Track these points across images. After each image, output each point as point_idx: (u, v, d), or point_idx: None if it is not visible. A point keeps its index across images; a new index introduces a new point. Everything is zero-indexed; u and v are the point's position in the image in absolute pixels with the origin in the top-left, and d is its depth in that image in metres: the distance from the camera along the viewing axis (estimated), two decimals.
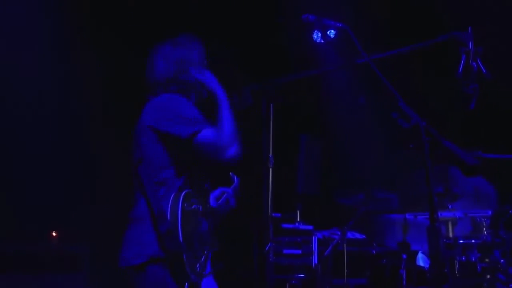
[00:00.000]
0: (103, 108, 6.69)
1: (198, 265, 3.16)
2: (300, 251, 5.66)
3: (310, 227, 5.88)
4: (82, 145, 6.60)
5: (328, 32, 3.00)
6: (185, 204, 3.13)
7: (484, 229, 4.90)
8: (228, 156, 3.23)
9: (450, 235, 5.21)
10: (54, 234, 6.33)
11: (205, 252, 3.26)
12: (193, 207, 3.21)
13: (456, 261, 4.81)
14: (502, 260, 4.72)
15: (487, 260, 4.81)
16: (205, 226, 3.32)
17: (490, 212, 5.12)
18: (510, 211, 4.70)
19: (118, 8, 6.62)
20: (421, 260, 5.42)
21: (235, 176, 3.69)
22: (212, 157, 3.22)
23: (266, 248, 3.76)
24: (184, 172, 3.27)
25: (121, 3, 6.63)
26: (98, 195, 6.52)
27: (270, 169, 3.65)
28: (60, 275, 6.02)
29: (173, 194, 3.14)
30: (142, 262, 3.10)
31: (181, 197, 3.12)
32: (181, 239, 3.04)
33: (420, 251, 5.43)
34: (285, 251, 5.64)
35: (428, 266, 5.20)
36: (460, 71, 2.96)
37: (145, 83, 3.50)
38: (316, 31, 3.13)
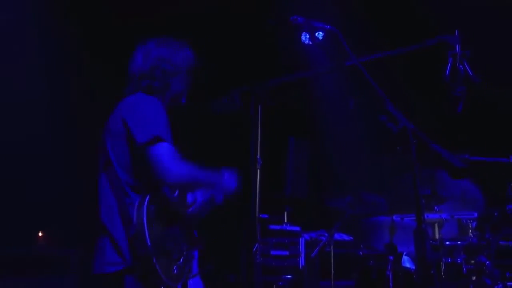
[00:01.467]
0: (93, 110, 6.66)
1: (175, 268, 3.11)
2: (287, 253, 5.66)
3: (297, 229, 5.89)
4: (69, 146, 6.57)
5: (316, 34, 3.00)
6: (151, 206, 3.03)
7: (470, 231, 4.94)
8: (171, 181, 3.09)
9: (437, 237, 5.24)
10: (40, 234, 6.29)
11: (184, 252, 3.20)
12: (162, 207, 3.13)
13: (442, 263, 4.84)
14: (487, 262, 4.75)
15: (472, 262, 4.85)
16: (180, 225, 3.26)
17: (476, 214, 5.16)
18: (496, 214, 4.74)
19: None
20: (407, 262, 5.45)
21: (226, 172, 3.64)
22: (155, 176, 3.05)
23: (253, 249, 3.76)
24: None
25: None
26: (85, 196, 6.50)
27: (258, 170, 3.65)
28: (48, 277, 5.97)
29: (138, 198, 3.05)
30: (118, 270, 3.03)
31: (146, 199, 3.03)
32: (148, 242, 2.95)
33: (404, 253, 5.45)
34: (272, 252, 5.63)
35: (413, 267, 5.23)
36: (447, 74, 2.98)
37: (126, 76, 3.43)
38: (304, 33, 3.14)
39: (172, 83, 3.39)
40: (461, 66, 3.01)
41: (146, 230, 2.96)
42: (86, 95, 6.66)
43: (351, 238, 6.07)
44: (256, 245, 3.76)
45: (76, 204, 6.43)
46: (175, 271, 3.09)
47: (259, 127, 3.64)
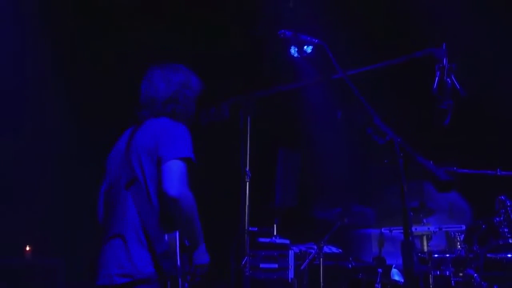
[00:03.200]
0: (82, 124, 6.66)
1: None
2: (276, 265, 5.64)
3: (286, 241, 5.87)
4: (56, 160, 6.56)
5: (304, 48, 3.02)
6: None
7: (458, 243, 4.95)
8: (173, 194, 3.10)
9: (425, 249, 5.25)
10: (28, 248, 6.25)
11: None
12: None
13: (430, 276, 4.84)
14: (475, 275, 4.76)
15: (461, 274, 4.85)
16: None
17: (464, 227, 5.17)
18: (484, 226, 4.75)
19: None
20: (396, 274, 5.44)
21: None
22: (161, 184, 3.14)
23: (243, 262, 3.75)
24: None
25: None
26: (72, 208, 6.46)
27: (247, 183, 3.64)
28: (35, 287, 5.94)
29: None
30: (131, 281, 3.05)
31: None
32: (178, 262, 3.09)
33: (393, 266, 5.46)
34: (261, 265, 5.62)
35: (402, 280, 5.23)
36: (435, 87, 3.00)
37: (141, 101, 3.54)
38: (293, 46, 3.16)
39: (189, 106, 3.55)
40: (448, 79, 3.03)
41: (178, 250, 3.10)
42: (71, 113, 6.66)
43: (340, 250, 6.06)
44: (246, 258, 3.76)
45: (63, 217, 6.41)
46: None
47: (248, 139, 3.64)
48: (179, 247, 3.12)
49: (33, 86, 6.54)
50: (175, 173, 3.12)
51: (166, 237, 3.11)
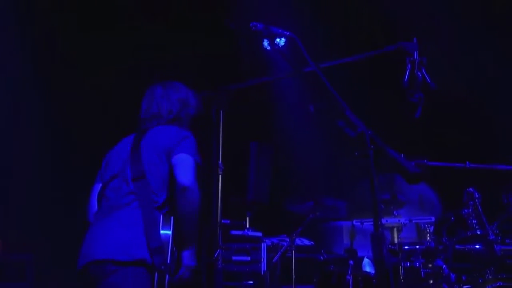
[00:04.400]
0: (56, 123, 6.60)
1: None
2: (249, 258, 5.66)
3: (259, 234, 5.90)
4: (26, 157, 6.49)
5: (277, 40, 3.02)
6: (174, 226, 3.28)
7: (428, 235, 5.01)
8: (185, 184, 3.31)
9: (396, 241, 5.31)
10: None
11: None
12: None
13: (401, 267, 4.90)
14: (444, 266, 4.83)
15: (430, 266, 4.91)
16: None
17: (433, 219, 5.24)
18: (453, 218, 4.81)
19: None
20: (368, 265, 5.50)
21: None
22: (176, 174, 3.36)
23: (215, 255, 3.76)
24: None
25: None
26: (41, 203, 6.41)
27: (220, 176, 3.65)
28: (4, 284, 5.87)
29: (172, 217, 3.31)
30: (128, 260, 3.12)
31: (172, 219, 3.30)
32: (169, 260, 3.16)
33: (365, 257, 5.51)
34: (234, 258, 5.64)
35: (373, 271, 5.29)
36: (406, 80, 3.03)
37: (142, 116, 3.72)
38: (265, 39, 3.16)
39: (190, 121, 3.78)
40: (419, 72, 3.06)
41: (169, 249, 3.19)
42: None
43: (312, 243, 6.11)
44: (218, 250, 3.77)
45: (32, 211, 6.35)
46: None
47: (220, 133, 3.64)
48: (172, 245, 3.20)
49: (11, 86, 6.46)
50: (188, 164, 3.36)
51: (160, 233, 3.19)
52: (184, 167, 3.36)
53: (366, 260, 5.55)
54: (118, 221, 3.26)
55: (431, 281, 4.89)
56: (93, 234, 3.31)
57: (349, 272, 5.16)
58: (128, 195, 3.34)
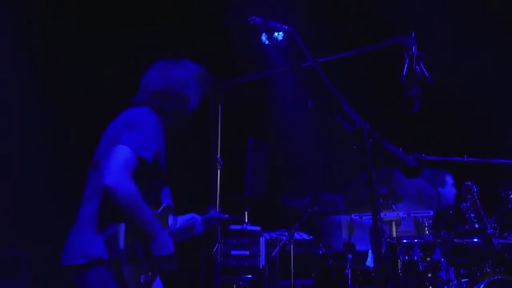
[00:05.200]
0: (48, 121, 6.59)
1: (142, 277, 3.11)
2: (247, 252, 5.67)
3: (257, 228, 5.91)
4: (21, 149, 6.49)
5: (275, 35, 3.02)
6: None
7: (426, 229, 5.02)
8: (107, 183, 2.97)
9: (394, 235, 5.32)
10: None
11: (154, 265, 3.17)
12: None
13: (399, 261, 4.91)
14: (442, 259, 4.84)
15: (428, 259, 4.93)
16: None
17: (432, 213, 5.25)
18: (451, 212, 4.83)
19: None
20: (372, 259, 5.51)
21: (212, 210, 3.65)
22: (99, 173, 3.09)
23: (214, 249, 3.77)
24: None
25: None
26: (37, 200, 6.40)
27: (218, 170, 3.65)
28: (1, 280, 5.87)
29: None
30: (87, 262, 3.04)
31: None
32: (121, 246, 2.99)
33: (370, 251, 5.52)
34: (232, 252, 5.65)
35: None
36: (403, 74, 3.03)
37: (135, 89, 3.43)
38: (264, 33, 3.15)
39: (181, 105, 3.37)
40: (417, 67, 3.06)
41: (122, 234, 3.00)
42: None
43: (311, 237, 6.12)
44: (217, 245, 3.77)
45: (28, 207, 6.35)
46: (142, 280, 3.10)
47: (219, 127, 3.64)
48: (124, 236, 3.03)
49: (8, 86, 6.45)
50: (117, 160, 3.00)
51: (112, 225, 3.03)
52: (111, 162, 2.98)
53: (370, 255, 5.56)
54: (78, 220, 3.17)
55: (429, 275, 4.90)
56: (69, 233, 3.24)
57: (348, 266, 5.17)
58: (86, 184, 3.23)
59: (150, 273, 3.15)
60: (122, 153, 3.02)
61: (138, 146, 3.07)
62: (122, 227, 3.01)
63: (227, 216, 3.73)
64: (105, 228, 3.03)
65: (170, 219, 3.43)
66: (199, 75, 3.48)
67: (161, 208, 3.32)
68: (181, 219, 3.57)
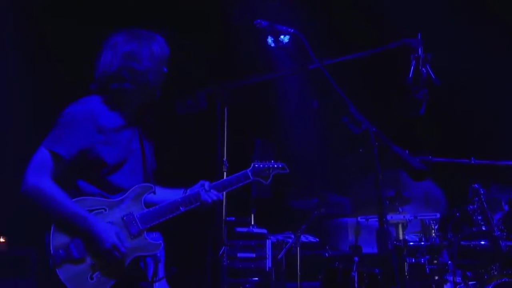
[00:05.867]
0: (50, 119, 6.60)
1: (95, 276, 3.01)
2: (254, 255, 5.67)
3: (264, 231, 5.90)
4: (28, 149, 6.50)
5: (281, 37, 3.02)
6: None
7: (433, 231, 5.01)
8: (21, 187, 3.07)
9: (401, 237, 5.31)
10: (2, 240, 6.18)
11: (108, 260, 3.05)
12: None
13: (406, 263, 4.90)
14: (449, 262, 4.83)
15: (435, 261, 4.91)
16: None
17: (439, 215, 5.24)
18: (458, 214, 4.81)
19: None
20: None
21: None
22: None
23: (220, 252, 3.76)
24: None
25: None
26: None
27: (225, 173, 3.65)
28: (9, 280, 5.88)
29: None
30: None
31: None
32: (51, 251, 3.07)
33: None
34: (239, 255, 5.64)
35: None
36: (410, 76, 3.02)
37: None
38: (269, 36, 3.16)
39: (143, 81, 3.19)
40: (423, 69, 3.05)
41: (51, 239, 3.08)
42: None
43: (317, 239, 6.11)
44: (223, 247, 3.75)
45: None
46: (93, 280, 3.01)
47: (225, 130, 3.63)
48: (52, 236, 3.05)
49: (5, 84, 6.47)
50: (31, 163, 3.05)
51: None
52: (28, 166, 3.06)
53: None
54: None
55: (436, 277, 4.89)
56: None
57: (354, 269, 5.16)
58: None
59: (97, 272, 3.03)
60: (36, 154, 3.06)
61: (52, 142, 3.06)
62: (51, 232, 3.07)
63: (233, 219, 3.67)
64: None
65: (151, 197, 3.27)
66: (152, 43, 3.27)
67: (125, 195, 3.18)
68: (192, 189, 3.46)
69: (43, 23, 6.51)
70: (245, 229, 5.88)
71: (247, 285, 5.57)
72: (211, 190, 3.35)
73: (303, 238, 5.77)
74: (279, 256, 5.59)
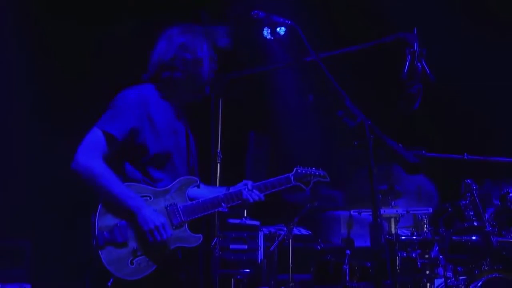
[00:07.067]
0: (48, 115, 6.58)
1: (135, 261, 3.02)
2: (246, 247, 5.68)
3: (256, 223, 5.91)
4: (17, 142, 6.49)
5: (277, 29, 3.02)
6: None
7: (425, 226, 5.03)
8: (71, 167, 3.06)
9: (393, 231, 5.33)
10: None
11: (148, 248, 3.06)
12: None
13: (397, 257, 4.92)
14: (441, 257, 4.85)
15: (427, 256, 4.94)
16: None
17: (431, 210, 5.26)
18: (450, 209, 4.83)
19: None
20: None
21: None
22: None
23: (212, 243, 3.76)
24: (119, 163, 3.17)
25: None
26: (39, 190, 6.41)
27: (218, 164, 3.64)
28: (1, 270, 5.88)
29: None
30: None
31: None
32: (96, 232, 3.00)
33: None
34: (231, 246, 5.65)
35: None
36: (405, 71, 3.03)
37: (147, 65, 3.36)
38: (266, 27, 3.16)
39: (194, 72, 3.28)
40: (418, 63, 3.06)
41: (96, 221, 3.01)
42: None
43: (310, 232, 6.12)
44: (215, 239, 3.76)
45: (29, 197, 6.35)
46: (133, 266, 3.02)
47: (219, 121, 3.63)
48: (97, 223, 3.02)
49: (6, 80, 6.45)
50: (83, 142, 3.08)
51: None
52: (79, 147, 3.06)
53: None
54: None
55: (427, 272, 4.92)
56: None
57: (346, 262, 5.19)
58: None
59: (143, 256, 3.05)
60: (89, 135, 3.09)
61: (105, 123, 3.11)
62: (97, 212, 3.02)
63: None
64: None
65: (195, 191, 3.31)
66: (207, 36, 3.37)
67: (170, 185, 3.22)
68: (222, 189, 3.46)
69: (43, 23, 6.48)
70: (237, 221, 5.88)
71: (239, 277, 5.59)
72: (254, 190, 3.41)
73: (295, 231, 5.78)
74: (271, 248, 5.61)
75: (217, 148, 3.77)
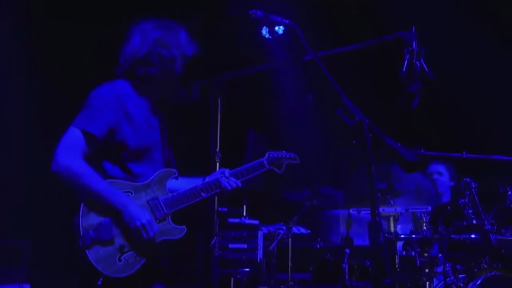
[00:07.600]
0: (46, 114, 6.58)
1: (123, 258, 3.03)
2: (245, 246, 5.68)
3: (256, 222, 5.91)
4: (17, 142, 6.49)
5: (275, 28, 3.02)
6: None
7: (424, 224, 5.03)
8: (51, 168, 3.03)
9: (392, 230, 5.33)
10: None
11: (136, 244, 3.06)
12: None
13: (397, 256, 4.92)
14: (440, 255, 4.85)
15: (426, 254, 4.94)
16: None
17: (430, 208, 5.25)
18: (449, 208, 4.83)
19: None
20: None
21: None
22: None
23: (212, 242, 3.76)
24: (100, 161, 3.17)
25: None
26: (38, 189, 6.41)
27: (217, 164, 3.64)
28: (0, 270, 5.88)
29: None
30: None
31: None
32: (81, 232, 2.99)
33: None
34: (230, 246, 5.65)
35: None
36: (404, 70, 3.03)
37: (118, 58, 3.34)
38: (264, 26, 3.15)
39: (169, 68, 3.28)
40: (417, 62, 3.06)
41: (80, 219, 3.01)
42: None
43: (309, 231, 6.12)
44: (215, 238, 3.76)
45: (29, 196, 6.35)
46: (121, 262, 3.03)
47: (218, 121, 3.63)
48: (81, 221, 3.01)
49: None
50: (61, 143, 3.06)
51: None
52: (57, 147, 3.04)
53: None
54: None
55: (426, 270, 4.92)
56: None
57: (345, 261, 5.19)
58: None
59: (131, 252, 3.05)
60: (66, 134, 3.08)
61: (82, 122, 3.09)
62: (79, 213, 3.01)
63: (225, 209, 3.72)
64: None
65: (173, 183, 3.32)
66: (179, 33, 3.39)
67: (150, 179, 3.23)
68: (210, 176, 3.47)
69: (43, 23, 6.48)
70: (237, 220, 5.89)
71: (238, 276, 5.59)
72: (230, 178, 3.44)
73: (294, 230, 5.78)
74: (271, 247, 5.61)
75: (216, 147, 3.75)
